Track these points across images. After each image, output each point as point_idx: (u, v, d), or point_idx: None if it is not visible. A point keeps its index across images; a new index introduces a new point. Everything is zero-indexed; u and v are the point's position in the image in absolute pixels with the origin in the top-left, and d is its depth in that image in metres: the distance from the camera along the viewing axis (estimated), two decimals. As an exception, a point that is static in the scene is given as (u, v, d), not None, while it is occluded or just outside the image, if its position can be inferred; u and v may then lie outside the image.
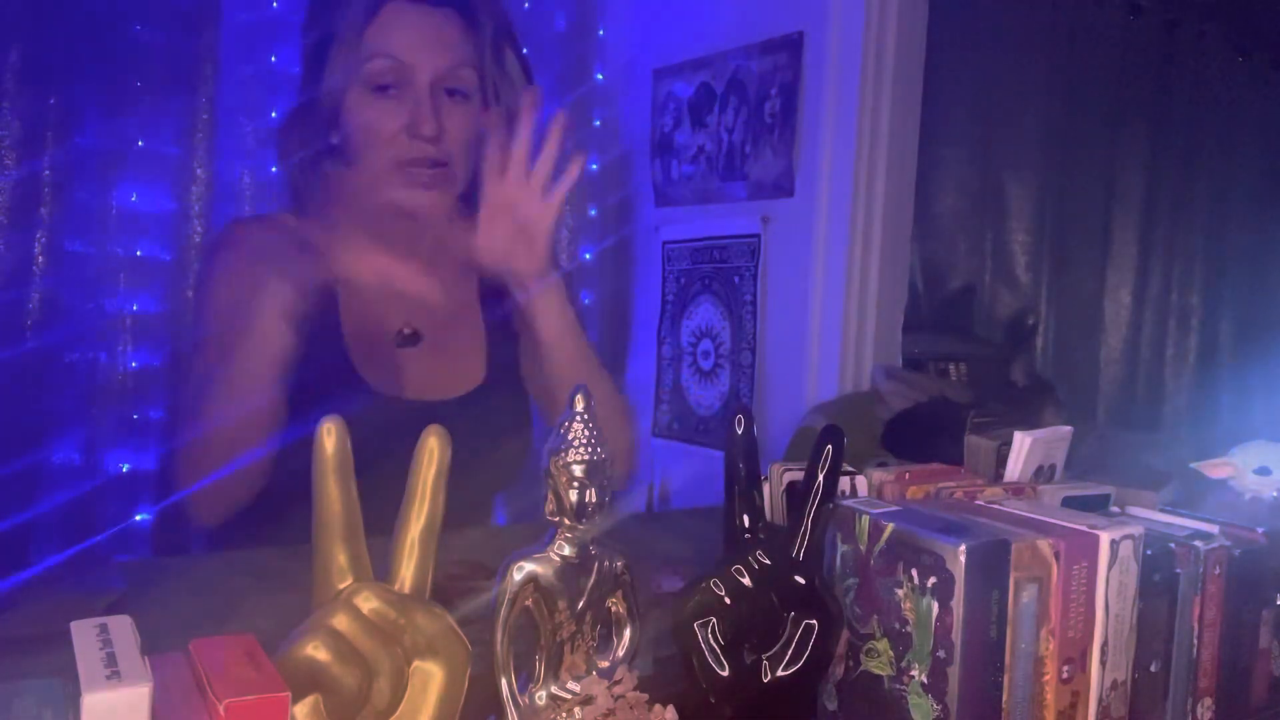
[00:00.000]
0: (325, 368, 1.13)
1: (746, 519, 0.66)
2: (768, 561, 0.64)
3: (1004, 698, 0.62)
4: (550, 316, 1.09)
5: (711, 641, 0.64)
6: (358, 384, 1.13)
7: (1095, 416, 2.87)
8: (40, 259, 1.94)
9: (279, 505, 1.00)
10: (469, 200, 1.22)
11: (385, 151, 1.11)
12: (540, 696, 0.60)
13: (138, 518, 2.04)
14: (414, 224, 1.19)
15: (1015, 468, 0.87)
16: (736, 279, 2.42)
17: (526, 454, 1.25)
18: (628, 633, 0.64)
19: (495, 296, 1.25)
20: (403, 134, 1.10)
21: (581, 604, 0.60)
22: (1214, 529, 0.75)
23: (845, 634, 0.67)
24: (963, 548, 0.60)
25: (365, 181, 1.14)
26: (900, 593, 0.63)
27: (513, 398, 1.25)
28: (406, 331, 1.19)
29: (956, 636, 0.60)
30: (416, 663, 0.54)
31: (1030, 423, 0.90)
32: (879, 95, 2.17)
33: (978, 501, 0.76)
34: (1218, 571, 0.72)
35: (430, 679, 0.54)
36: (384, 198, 1.14)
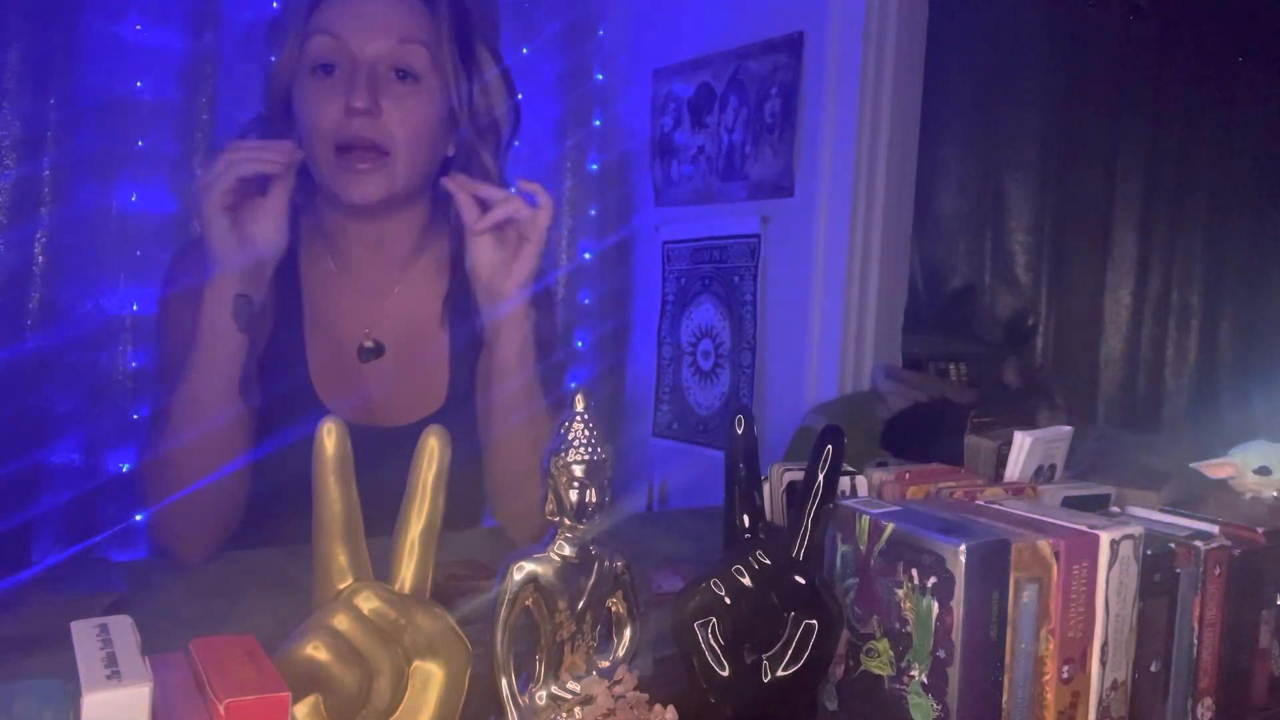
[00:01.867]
0: (286, 390, 1.10)
1: (746, 519, 0.66)
2: (768, 561, 0.64)
3: (1004, 698, 0.62)
4: (512, 340, 1.05)
5: (711, 641, 0.64)
6: (319, 409, 1.09)
7: (1095, 416, 2.87)
8: (40, 259, 1.94)
9: (277, 507, 1.00)
10: (443, 209, 1.18)
11: (326, 136, 1.04)
12: (540, 696, 0.60)
13: (138, 518, 2.04)
14: (377, 229, 1.14)
15: (1015, 468, 0.87)
16: (736, 279, 2.42)
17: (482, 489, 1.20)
18: (628, 633, 0.64)
19: (463, 309, 1.19)
20: (341, 114, 1.03)
21: (581, 604, 0.60)
22: (1214, 529, 0.75)
23: (845, 634, 0.67)
24: (963, 548, 0.60)
25: (318, 174, 1.08)
26: (900, 593, 0.63)
27: (474, 421, 1.19)
28: (369, 344, 1.15)
29: (956, 636, 0.60)
30: (416, 663, 0.54)
31: (1024, 424, 0.90)
32: (879, 95, 2.17)
33: (978, 501, 0.76)
34: (1218, 571, 0.72)
35: (430, 679, 0.54)
36: (332, 191, 1.08)
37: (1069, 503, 0.81)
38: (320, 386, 1.12)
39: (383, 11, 1.06)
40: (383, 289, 1.17)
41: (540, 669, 0.60)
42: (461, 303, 1.19)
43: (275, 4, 2.15)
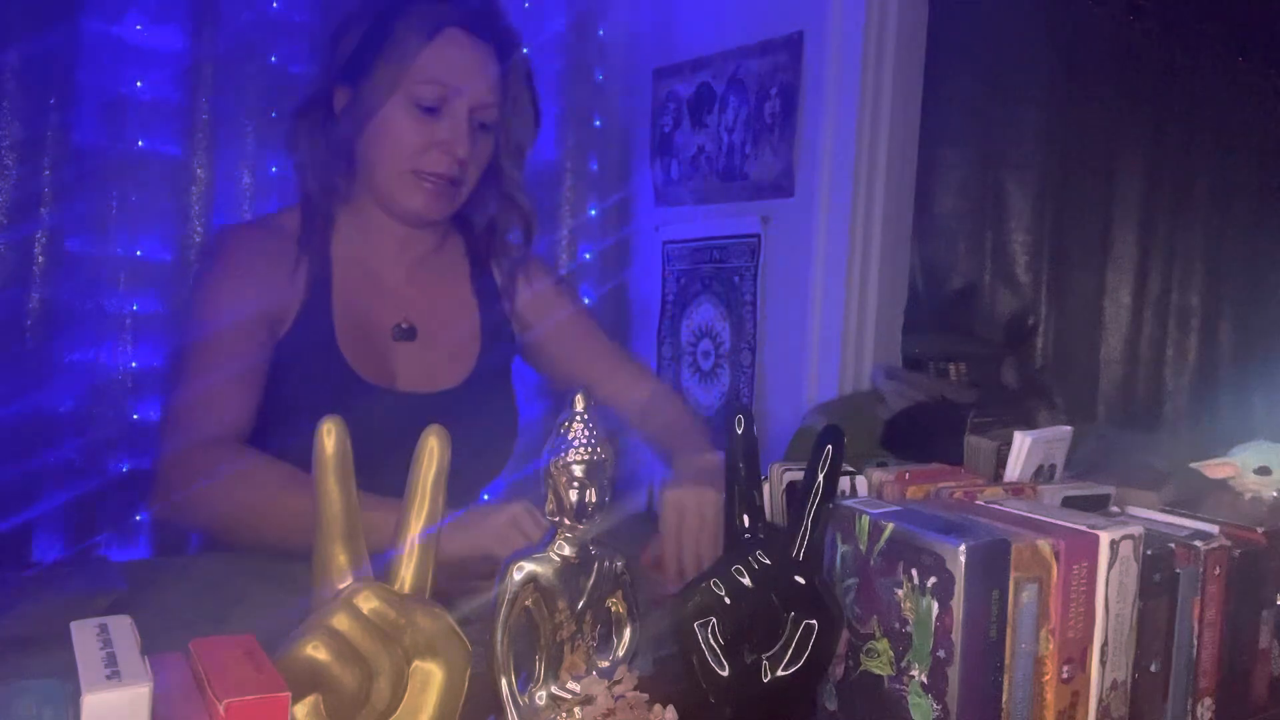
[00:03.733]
0: (319, 363, 1.16)
1: (746, 519, 0.66)
2: (768, 561, 0.64)
3: (1004, 698, 0.62)
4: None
5: (711, 641, 0.64)
6: (350, 376, 1.16)
7: (1095, 416, 2.87)
8: (40, 259, 1.94)
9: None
10: (461, 214, 1.30)
11: (408, 161, 1.17)
12: (540, 696, 0.60)
13: (138, 518, 2.04)
14: (416, 230, 1.25)
15: (1015, 468, 0.87)
16: (736, 279, 2.42)
17: (511, 448, 1.31)
18: (628, 633, 0.64)
19: (490, 299, 1.32)
20: (433, 149, 1.17)
21: (581, 604, 0.60)
22: (1214, 529, 0.75)
23: (845, 634, 0.67)
24: (963, 548, 0.60)
25: (377, 183, 1.20)
26: (900, 593, 0.63)
27: (501, 393, 1.31)
28: (404, 325, 1.24)
29: (956, 636, 0.60)
30: (416, 663, 0.54)
31: (1024, 424, 0.90)
32: (879, 95, 2.17)
33: (978, 501, 0.76)
34: (1218, 571, 0.72)
35: (430, 679, 0.54)
36: (395, 202, 1.20)
37: (1069, 503, 0.81)
38: (353, 363, 1.17)
39: (481, 68, 1.19)
40: (409, 274, 1.27)
41: (540, 669, 0.60)
42: (488, 286, 1.33)
43: (275, 4, 2.15)
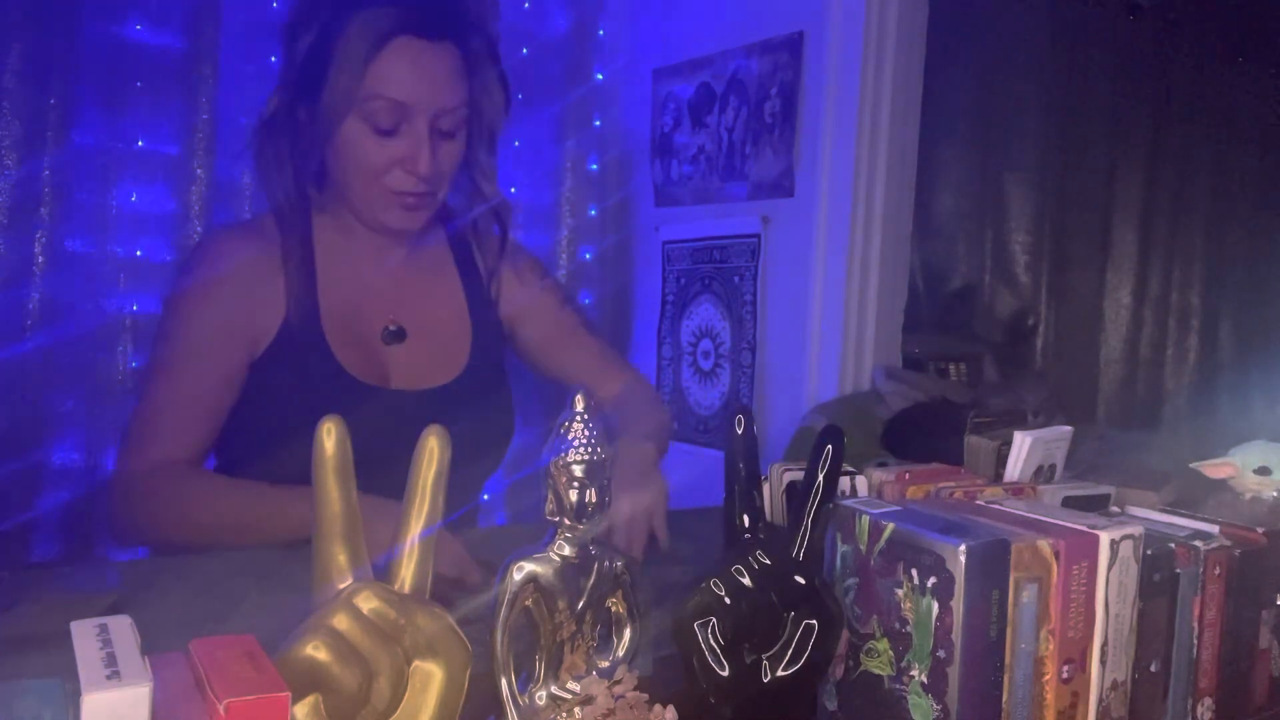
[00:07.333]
0: (311, 366, 1.16)
1: (746, 519, 0.66)
2: (768, 561, 0.64)
3: (1004, 698, 0.62)
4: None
5: (711, 641, 0.64)
6: (343, 377, 1.16)
7: (1095, 416, 2.87)
8: (40, 259, 1.94)
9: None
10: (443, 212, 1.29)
11: (378, 182, 1.14)
12: (540, 696, 0.60)
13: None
14: (395, 236, 1.23)
15: (1015, 468, 0.87)
16: (736, 279, 2.42)
17: (507, 442, 1.31)
18: (627, 633, 0.64)
19: (481, 298, 1.31)
20: (397, 168, 1.13)
21: (581, 604, 0.60)
22: (1214, 529, 0.75)
23: (845, 634, 0.67)
24: (963, 548, 0.60)
25: (350, 199, 1.18)
26: (900, 593, 0.63)
27: (495, 389, 1.30)
28: (392, 328, 1.23)
29: (956, 636, 0.60)
30: (416, 663, 0.54)
31: (1020, 423, 0.90)
32: (879, 95, 2.17)
33: (978, 501, 0.76)
34: (1218, 571, 0.72)
35: (430, 679, 0.54)
36: (372, 220, 1.18)
37: (1069, 503, 0.81)
38: (346, 364, 1.17)
39: (438, 75, 1.11)
40: (395, 274, 1.26)
41: (540, 669, 0.60)
42: (474, 281, 1.31)
43: (275, 4, 2.15)
